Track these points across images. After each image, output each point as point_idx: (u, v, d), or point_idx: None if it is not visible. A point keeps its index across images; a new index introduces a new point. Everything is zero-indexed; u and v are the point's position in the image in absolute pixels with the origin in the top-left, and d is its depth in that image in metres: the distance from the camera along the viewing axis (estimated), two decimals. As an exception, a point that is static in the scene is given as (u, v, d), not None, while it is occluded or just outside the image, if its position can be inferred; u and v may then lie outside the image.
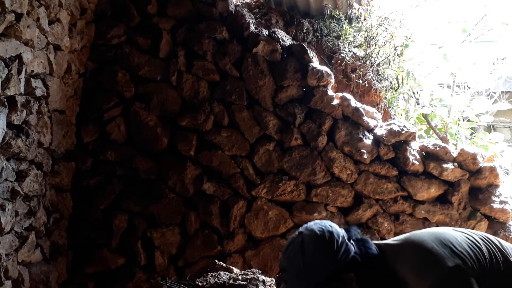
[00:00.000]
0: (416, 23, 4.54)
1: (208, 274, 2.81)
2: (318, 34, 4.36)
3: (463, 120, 4.46)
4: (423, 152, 3.66)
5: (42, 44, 2.96)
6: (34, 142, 2.91)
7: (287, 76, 3.67)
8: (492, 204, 3.53)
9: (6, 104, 2.60)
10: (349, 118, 3.66)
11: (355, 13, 4.48)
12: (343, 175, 3.57)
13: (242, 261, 3.51)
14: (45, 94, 3.05)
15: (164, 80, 3.69)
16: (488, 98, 4.48)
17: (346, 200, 3.58)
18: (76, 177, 3.52)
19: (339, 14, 4.34)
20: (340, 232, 1.42)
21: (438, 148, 3.60)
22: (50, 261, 3.23)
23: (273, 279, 2.80)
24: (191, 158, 3.61)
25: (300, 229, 1.46)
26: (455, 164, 3.58)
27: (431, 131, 4.40)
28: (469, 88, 4.72)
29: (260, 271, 2.87)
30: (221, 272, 2.82)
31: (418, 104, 4.52)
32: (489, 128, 4.95)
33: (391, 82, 4.31)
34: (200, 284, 2.69)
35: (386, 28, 4.33)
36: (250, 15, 3.92)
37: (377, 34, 4.31)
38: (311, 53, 3.80)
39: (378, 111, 3.93)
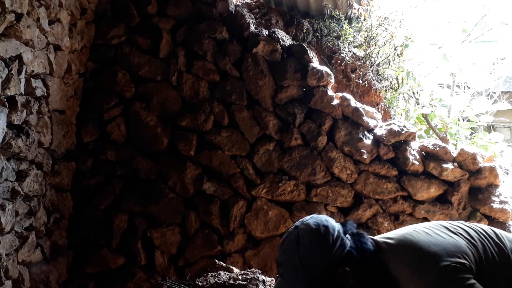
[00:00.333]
0: (416, 23, 4.54)
1: (208, 274, 2.81)
2: (318, 34, 4.36)
3: (463, 120, 4.46)
4: (423, 152, 3.66)
5: (42, 44, 2.96)
6: (34, 142, 2.92)
7: (287, 76, 3.68)
8: (492, 204, 3.53)
9: (6, 104, 2.61)
10: (349, 118, 3.66)
11: (355, 13, 4.48)
12: (343, 175, 3.58)
13: (242, 261, 3.51)
14: (45, 94, 3.05)
15: (164, 80, 3.70)
16: (488, 98, 4.48)
17: (346, 200, 3.59)
18: (76, 177, 3.53)
19: (339, 14, 4.35)
20: (336, 226, 1.42)
21: (438, 148, 3.61)
22: (50, 261, 3.23)
23: (273, 279, 2.81)
24: (191, 158, 3.61)
25: (297, 223, 1.47)
26: (455, 164, 3.58)
27: (431, 131, 4.41)
28: (469, 88, 4.72)
29: (260, 271, 2.87)
30: (221, 272, 2.82)
31: (418, 104, 4.52)
32: (489, 128, 4.95)
33: (391, 82, 4.32)
34: (200, 284, 2.69)
35: (386, 28, 4.34)
36: (250, 15, 3.93)
37: (377, 34, 4.31)
38: (311, 53, 3.80)
39: (378, 111, 3.93)
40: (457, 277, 1.32)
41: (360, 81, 4.13)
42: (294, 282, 1.39)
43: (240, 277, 2.70)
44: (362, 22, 4.41)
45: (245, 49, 3.74)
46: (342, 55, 4.24)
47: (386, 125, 3.69)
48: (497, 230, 1.54)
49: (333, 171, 3.58)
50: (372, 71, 4.22)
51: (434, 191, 3.57)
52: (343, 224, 1.46)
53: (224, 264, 3.13)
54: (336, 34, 4.36)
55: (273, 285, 2.74)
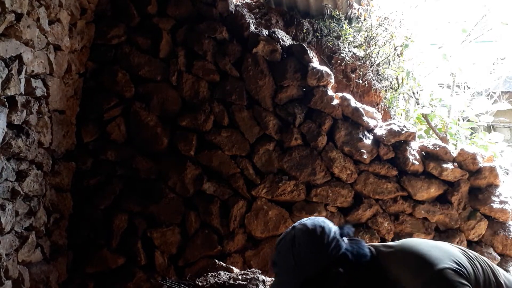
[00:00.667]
0: (416, 23, 4.54)
1: (208, 274, 2.81)
2: (318, 34, 4.36)
3: (463, 120, 4.46)
4: (423, 152, 3.67)
5: (42, 44, 2.96)
6: (34, 142, 2.92)
7: (287, 76, 3.68)
8: (492, 204, 3.53)
9: (6, 104, 2.61)
10: (349, 118, 3.66)
11: (355, 13, 4.49)
12: (343, 175, 3.58)
13: (242, 261, 3.51)
14: (45, 94, 3.05)
15: (164, 80, 3.70)
16: (488, 98, 4.49)
17: (346, 200, 3.58)
18: (76, 177, 3.53)
19: (339, 14, 4.35)
20: (333, 228, 1.43)
21: (438, 148, 3.61)
22: (50, 261, 3.23)
23: (273, 279, 2.80)
24: (191, 158, 3.61)
25: (295, 224, 1.47)
26: (455, 164, 3.58)
27: (431, 131, 4.41)
28: (469, 88, 4.72)
29: (260, 271, 2.88)
30: (221, 272, 2.82)
31: (418, 104, 4.52)
32: (489, 128, 4.95)
33: (391, 82, 4.32)
34: (200, 284, 2.69)
35: (386, 28, 4.34)
36: (250, 15, 3.93)
37: (377, 34, 4.31)
38: (311, 53, 3.80)
39: (378, 111, 3.93)
40: (454, 279, 1.32)
41: (360, 81, 4.13)
42: (288, 281, 1.39)
43: (240, 277, 2.70)
44: (362, 22, 4.41)
45: (245, 49, 3.74)
46: (342, 55, 4.24)
47: (386, 125, 3.69)
48: (494, 264, 1.54)
49: (333, 171, 3.58)
50: (372, 71, 4.22)
51: (434, 191, 3.57)
52: (341, 227, 1.46)
53: (224, 264, 3.13)
54: (336, 34, 4.36)
55: (273, 285, 2.74)
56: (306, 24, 4.35)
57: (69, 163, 3.45)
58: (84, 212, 3.51)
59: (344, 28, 4.32)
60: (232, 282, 2.65)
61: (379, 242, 1.61)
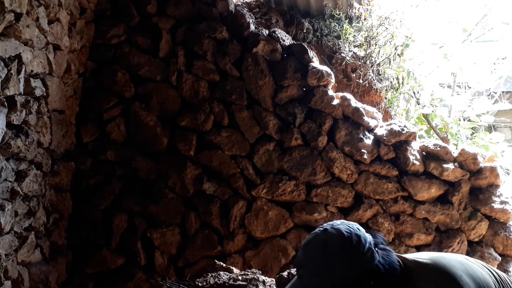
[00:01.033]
0: (417, 22, 4.53)
1: (208, 274, 2.81)
2: (318, 34, 4.36)
3: (464, 120, 4.45)
4: (424, 152, 3.66)
5: (42, 44, 2.95)
6: (34, 142, 2.91)
7: (287, 76, 3.67)
8: (492, 204, 3.52)
9: (6, 104, 2.60)
10: (350, 118, 3.65)
11: (355, 12, 4.48)
12: (343, 175, 3.57)
13: (242, 261, 3.51)
14: (45, 94, 3.04)
15: (164, 80, 3.69)
16: (488, 98, 4.47)
17: (346, 200, 3.58)
18: (76, 177, 3.52)
19: (340, 13, 4.34)
20: (368, 237, 1.35)
21: (438, 148, 3.60)
22: (50, 261, 3.23)
23: (273, 279, 2.80)
24: (191, 158, 3.60)
25: (325, 225, 1.38)
26: (456, 164, 3.57)
27: (432, 131, 4.40)
28: (469, 88, 4.71)
29: (260, 271, 2.87)
30: (221, 272, 2.82)
31: (418, 104, 4.51)
32: (490, 128, 4.94)
33: (391, 82, 4.31)
34: (200, 284, 2.69)
35: (387, 28, 4.33)
36: (250, 15, 3.92)
37: (377, 33, 4.31)
38: (311, 53, 3.79)
39: (379, 111, 3.92)
40: None
41: (361, 81, 4.12)
42: (312, 285, 1.33)
43: (240, 277, 2.69)
44: (362, 22, 4.40)
45: (245, 48, 3.74)
46: (342, 54, 4.23)
47: (387, 125, 3.68)
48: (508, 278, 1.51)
49: (334, 171, 3.57)
50: (372, 70, 4.21)
51: (434, 191, 3.56)
52: (374, 236, 1.38)
53: (224, 265, 3.12)
54: (337, 34, 4.35)
55: (273, 286, 2.73)
56: (306, 24, 4.34)
57: (69, 163, 3.44)
58: (84, 212, 3.51)
59: (344, 28, 4.31)
60: (232, 283, 2.64)
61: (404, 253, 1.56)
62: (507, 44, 4.85)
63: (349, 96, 3.70)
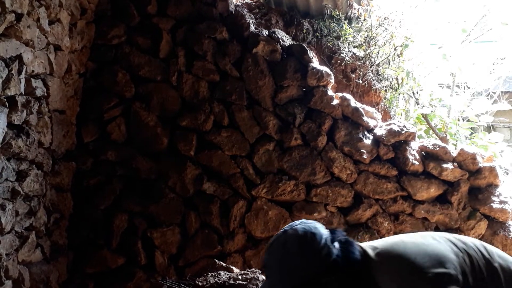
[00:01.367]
0: (416, 23, 4.54)
1: (208, 274, 2.81)
2: (318, 34, 4.37)
3: (463, 120, 4.46)
4: (423, 152, 3.67)
5: (43, 44, 2.96)
6: (35, 142, 2.92)
7: (287, 76, 3.68)
8: (491, 204, 3.53)
9: (7, 104, 2.61)
10: (349, 118, 3.66)
11: (355, 13, 4.49)
12: (343, 175, 3.58)
13: (242, 261, 3.52)
14: (46, 94, 3.05)
15: (164, 80, 3.70)
16: (487, 98, 4.49)
17: (346, 200, 3.59)
18: (77, 177, 3.53)
19: (339, 14, 4.35)
20: (324, 234, 1.41)
21: (437, 148, 3.61)
22: (51, 261, 3.23)
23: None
24: (191, 158, 3.61)
25: (286, 227, 1.47)
26: (455, 164, 3.58)
27: (431, 131, 4.41)
28: (468, 88, 4.72)
29: (260, 271, 2.87)
30: (221, 272, 2.82)
31: (417, 104, 4.52)
32: (489, 128, 4.95)
33: (390, 82, 4.32)
34: (200, 284, 2.70)
35: (386, 28, 4.34)
36: (250, 15, 3.93)
37: (377, 34, 4.32)
38: (311, 53, 3.81)
39: (378, 111, 3.93)
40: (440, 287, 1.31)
41: (360, 81, 4.14)
42: (276, 284, 1.40)
43: (240, 277, 2.70)
44: (362, 22, 4.41)
45: (245, 49, 3.75)
46: (342, 55, 4.24)
47: (386, 125, 3.69)
48: (488, 246, 1.52)
49: (333, 171, 3.58)
50: (372, 71, 4.22)
51: (434, 191, 3.57)
52: (332, 232, 1.44)
53: (224, 264, 3.13)
54: (336, 34, 4.36)
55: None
56: (306, 24, 4.35)
57: (69, 163, 3.45)
58: (84, 212, 3.51)
59: (344, 28, 4.32)
60: (232, 282, 2.65)
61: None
62: (506, 44, 4.87)
63: (348, 96, 3.71)
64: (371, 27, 4.34)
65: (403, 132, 3.59)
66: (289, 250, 1.38)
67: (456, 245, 1.46)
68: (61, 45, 3.17)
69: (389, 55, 4.29)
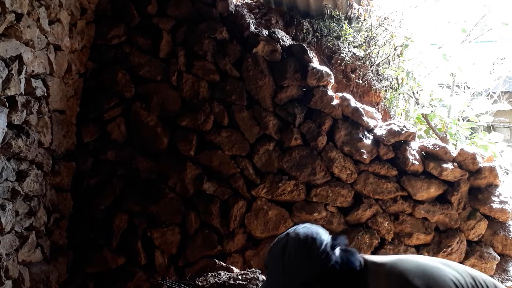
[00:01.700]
0: (416, 23, 4.54)
1: (208, 274, 2.81)
2: (318, 34, 4.37)
3: (463, 120, 4.46)
4: (423, 152, 3.67)
5: (43, 44, 2.96)
6: (35, 142, 2.92)
7: (287, 76, 3.68)
8: (491, 204, 3.53)
9: (7, 104, 2.61)
10: (349, 118, 3.66)
11: (355, 13, 4.49)
12: (343, 175, 3.58)
13: (242, 261, 3.52)
14: (46, 94, 3.05)
15: (164, 80, 3.70)
16: (487, 98, 4.49)
17: (346, 200, 3.59)
18: (77, 177, 3.53)
19: (339, 14, 4.35)
20: (325, 239, 1.43)
21: (437, 148, 3.61)
22: (51, 261, 3.24)
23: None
24: (191, 158, 3.61)
25: (289, 230, 1.50)
26: (455, 164, 3.58)
27: (431, 131, 4.41)
28: (468, 88, 4.72)
29: (260, 271, 2.87)
30: (221, 272, 2.82)
31: (417, 104, 4.52)
32: (489, 128, 4.96)
33: (390, 82, 4.32)
34: (200, 284, 2.70)
35: (386, 28, 4.34)
36: (250, 15, 3.93)
37: (377, 34, 4.32)
38: (311, 53, 3.81)
39: (378, 111, 3.94)
40: None
41: (360, 81, 4.14)
42: (274, 284, 1.44)
43: (240, 277, 2.70)
44: (362, 22, 4.41)
45: (245, 49, 3.75)
46: (342, 55, 4.25)
47: (386, 125, 3.69)
48: (485, 278, 1.47)
49: (333, 171, 3.58)
50: (372, 71, 4.22)
51: (434, 191, 3.57)
52: (334, 238, 1.47)
53: (224, 264, 3.13)
54: (336, 34, 4.37)
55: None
56: (306, 24, 4.36)
57: (69, 163, 3.45)
58: (84, 212, 3.52)
59: (344, 28, 4.32)
60: (232, 282, 2.65)
61: (374, 254, 1.59)
62: (506, 44, 4.86)
63: (348, 96, 3.71)
64: (371, 27, 4.34)
65: (403, 132, 3.59)
66: (289, 252, 1.41)
67: (463, 278, 1.42)
68: (61, 45, 3.17)
69: (389, 55, 4.29)
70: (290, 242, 1.43)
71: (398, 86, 4.33)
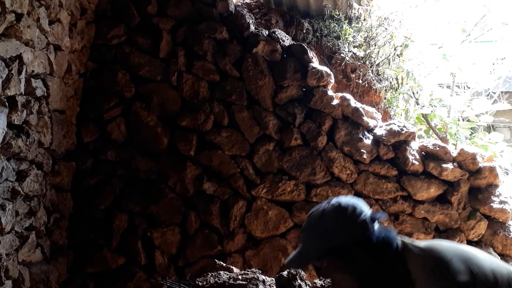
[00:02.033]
0: (416, 23, 4.54)
1: (208, 274, 2.82)
2: (318, 34, 4.37)
3: (463, 120, 4.46)
4: (423, 152, 3.67)
5: (43, 44, 2.96)
6: (35, 142, 2.92)
7: (287, 76, 3.68)
8: (491, 204, 3.53)
9: (7, 104, 2.61)
10: (349, 118, 3.66)
11: (355, 13, 4.49)
12: (343, 175, 3.58)
13: (242, 261, 3.51)
14: (46, 94, 3.05)
15: (164, 80, 3.70)
16: (487, 98, 4.49)
17: (346, 200, 3.58)
18: (77, 177, 3.53)
19: (339, 14, 4.35)
20: (365, 211, 1.46)
21: (437, 148, 3.61)
22: (51, 261, 3.24)
23: (273, 279, 2.81)
24: (191, 158, 3.61)
25: (330, 198, 1.53)
26: (455, 164, 3.58)
27: (431, 131, 4.41)
28: (468, 88, 4.72)
29: (260, 271, 2.88)
30: (221, 272, 2.82)
31: (417, 104, 4.52)
32: (489, 128, 4.95)
33: (390, 82, 4.32)
34: (200, 284, 2.70)
35: (386, 28, 4.34)
36: (250, 15, 3.93)
37: (377, 34, 4.32)
38: (311, 53, 3.81)
39: (378, 111, 3.93)
40: None
41: (360, 81, 4.14)
42: (311, 248, 1.46)
43: (240, 277, 2.70)
44: (362, 22, 4.41)
45: (245, 49, 3.75)
46: (342, 55, 4.25)
47: (386, 125, 3.69)
48: None
49: (333, 171, 3.58)
50: (372, 71, 4.22)
51: (434, 191, 3.57)
52: (374, 213, 1.49)
53: (224, 264, 3.13)
54: (336, 34, 4.37)
55: (273, 285, 2.74)
56: (306, 24, 4.36)
57: (69, 163, 3.45)
58: (84, 212, 3.52)
59: (344, 28, 4.32)
60: (232, 282, 2.65)
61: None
62: (506, 44, 4.86)
63: (348, 96, 3.71)
64: (371, 27, 4.34)
65: (403, 132, 3.59)
66: (327, 217, 1.44)
67: (498, 266, 1.44)
68: (61, 45, 3.17)
69: (389, 55, 4.29)
70: (330, 208, 1.46)
71: (398, 86, 4.33)
